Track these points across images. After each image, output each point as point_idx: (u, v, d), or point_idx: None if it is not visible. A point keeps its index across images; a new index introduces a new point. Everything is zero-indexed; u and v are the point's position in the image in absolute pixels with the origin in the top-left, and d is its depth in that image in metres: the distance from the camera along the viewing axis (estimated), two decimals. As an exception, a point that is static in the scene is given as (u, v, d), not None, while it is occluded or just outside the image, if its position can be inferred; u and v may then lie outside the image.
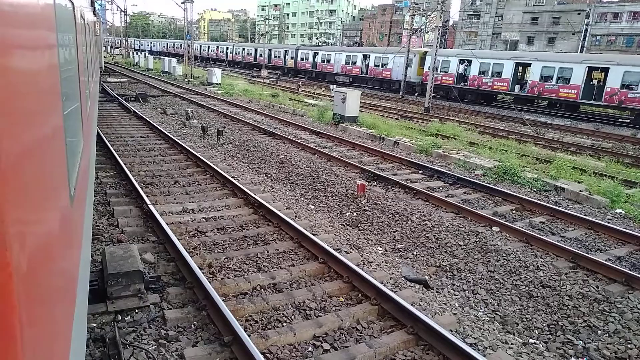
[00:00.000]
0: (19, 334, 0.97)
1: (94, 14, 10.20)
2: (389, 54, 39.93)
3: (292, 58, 54.34)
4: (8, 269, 0.93)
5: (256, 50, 62.64)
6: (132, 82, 33.90)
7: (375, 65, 41.89)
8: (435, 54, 27.69)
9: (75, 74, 3.07)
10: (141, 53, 61.47)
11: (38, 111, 1.37)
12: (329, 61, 47.74)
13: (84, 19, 4.69)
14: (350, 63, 45.06)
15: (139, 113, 18.55)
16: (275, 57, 58.18)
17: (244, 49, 67.49)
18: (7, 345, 0.94)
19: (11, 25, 1.06)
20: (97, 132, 11.84)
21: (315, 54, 50.37)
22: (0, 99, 0.93)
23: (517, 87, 32.32)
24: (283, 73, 55.37)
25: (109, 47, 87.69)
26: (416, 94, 36.77)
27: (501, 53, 39.17)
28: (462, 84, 34.98)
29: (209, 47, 77.20)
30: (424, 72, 36.43)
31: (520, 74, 34.21)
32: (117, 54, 79.48)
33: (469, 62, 34.48)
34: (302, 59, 52.42)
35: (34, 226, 1.24)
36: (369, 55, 43.17)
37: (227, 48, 71.55)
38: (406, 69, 35.93)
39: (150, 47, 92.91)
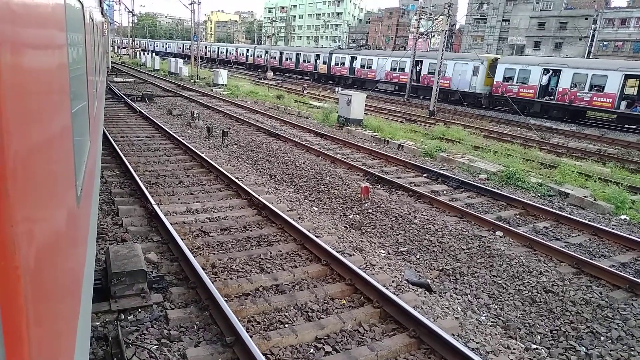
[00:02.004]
0: (25, 333, 0.98)
1: (102, 14, 10.28)
2: (448, 60, 34.86)
3: (324, 63, 49.11)
4: (17, 271, 0.94)
5: (282, 53, 57.88)
6: (139, 82, 34.08)
7: (429, 73, 36.45)
8: (441, 58, 27.68)
9: (84, 73, 3.10)
10: (147, 54, 61.42)
11: (47, 110, 1.39)
12: (370, 67, 42.61)
13: (92, 19, 4.73)
14: (398, 69, 39.84)
15: (145, 113, 18.64)
16: (304, 61, 52.94)
17: (266, 52, 61.06)
18: (15, 344, 0.96)
19: (24, 24, 1.08)
20: (103, 132, 11.91)
21: (354, 59, 45.11)
22: (12, 98, 0.95)
23: (622, 103, 27.19)
24: (313, 79, 50.54)
25: (116, 47, 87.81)
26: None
27: (603, 62, 32.00)
28: (546, 97, 29.87)
29: (227, 49, 72.56)
30: (494, 82, 32.39)
31: (629, 88, 28.84)
32: (124, 54, 79.80)
33: (556, 72, 29.35)
34: (336, 64, 47.28)
35: (42, 227, 1.25)
36: (422, 61, 37.98)
37: (248, 51, 66.50)
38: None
39: (165, 48, 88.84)
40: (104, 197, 8.49)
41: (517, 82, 31.21)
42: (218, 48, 74.47)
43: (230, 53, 70.03)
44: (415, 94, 37.55)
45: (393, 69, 40.62)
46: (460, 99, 33.18)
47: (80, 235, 2.30)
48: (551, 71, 29.98)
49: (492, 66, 32.66)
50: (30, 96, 1.14)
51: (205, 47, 75.66)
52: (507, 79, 31.96)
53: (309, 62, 52.42)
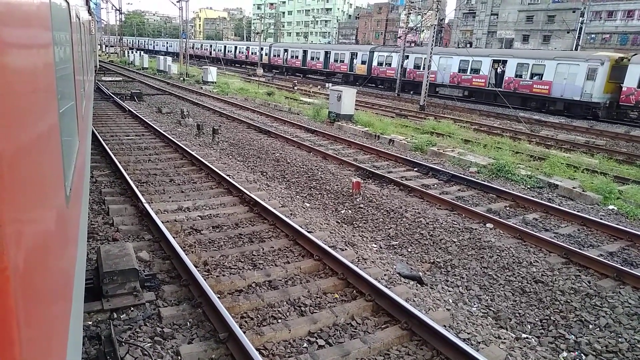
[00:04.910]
0: (16, 334, 0.99)
1: (88, 12, 10.17)
2: (546, 59, 28.44)
3: (363, 62, 42.47)
4: (6, 272, 0.94)
5: (305, 52, 50.40)
6: (127, 80, 33.78)
7: (517, 76, 29.91)
8: (431, 53, 27.70)
9: (71, 72, 3.08)
10: (135, 52, 60.23)
11: (34, 110, 1.39)
12: (428, 67, 35.90)
13: (78, 18, 4.69)
14: (469, 71, 32.67)
15: (134, 112, 18.52)
16: (335, 60, 45.93)
17: (286, 50, 53.97)
18: (6, 345, 0.96)
19: (8, 24, 1.08)
20: (92, 131, 11.83)
21: (404, 58, 37.64)
22: None
23: None
24: (347, 81, 42.77)
25: (103, 46, 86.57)
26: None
27: None
28: None
29: (235, 48, 65.32)
30: (624, 88, 25.35)
31: None
32: (112, 53, 78.83)
33: None
34: (380, 64, 40.36)
35: (31, 228, 1.26)
36: (506, 60, 30.78)
37: (262, 49, 57.88)
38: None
39: (167, 47, 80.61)
40: (94, 196, 8.44)
41: None
42: (225, 47, 67.64)
43: (240, 52, 63.18)
44: (494, 101, 30.20)
45: (462, 70, 33.20)
46: (565, 109, 27.47)
47: (70, 235, 2.30)
48: None
49: (617, 68, 25.99)
50: (16, 96, 1.14)
51: (210, 46, 70.81)
52: None
53: (342, 61, 45.22)
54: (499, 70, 31.32)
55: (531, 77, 29.33)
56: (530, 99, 29.75)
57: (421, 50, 36.82)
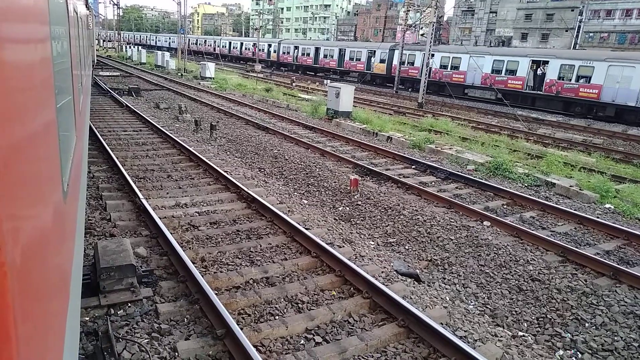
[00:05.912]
0: (13, 330, 0.98)
1: (86, 6, 10.12)
2: (595, 60, 25.91)
3: (382, 61, 39.98)
4: (3, 267, 0.93)
5: (318, 49, 48.35)
6: (125, 76, 33.65)
7: (560, 78, 27.51)
8: (429, 50, 27.65)
9: (68, 67, 3.06)
10: (133, 47, 59.77)
11: (31, 105, 1.38)
12: (456, 67, 33.26)
13: (76, 12, 4.66)
14: (504, 72, 30.38)
15: (132, 107, 18.45)
16: (351, 59, 43.75)
17: (296, 47, 52.03)
18: (2, 341, 0.95)
19: (5, 18, 1.07)
20: (90, 126, 11.77)
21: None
22: None
23: None
24: (363, 81, 40.75)
25: (101, 41, 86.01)
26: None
27: None
28: None
29: (241, 44, 64.64)
30: None
31: None
32: (110, 48, 78.40)
33: None
34: (401, 63, 37.21)
35: (28, 223, 1.25)
36: (548, 61, 28.31)
37: (270, 46, 57.29)
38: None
39: (169, 43, 76.73)
40: (92, 192, 8.41)
41: None
42: (230, 43, 66.76)
43: (246, 49, 62.58)
44: (532, 105, 28.50)
45: (496, 71, 30.88)
46: (616, 116, 25.33)
47: (67, 230, 2.29)
48: None
49: None
50: (13, 91, 1.13)
51: (214, 42, 69.57)
52: None
53: (358, 60, 43.02)
54: (538, 71, 29.18)
55: (577, 80, 26.83)
56: (575, 103, 27.43)
57: (449, 49, 34.48)
